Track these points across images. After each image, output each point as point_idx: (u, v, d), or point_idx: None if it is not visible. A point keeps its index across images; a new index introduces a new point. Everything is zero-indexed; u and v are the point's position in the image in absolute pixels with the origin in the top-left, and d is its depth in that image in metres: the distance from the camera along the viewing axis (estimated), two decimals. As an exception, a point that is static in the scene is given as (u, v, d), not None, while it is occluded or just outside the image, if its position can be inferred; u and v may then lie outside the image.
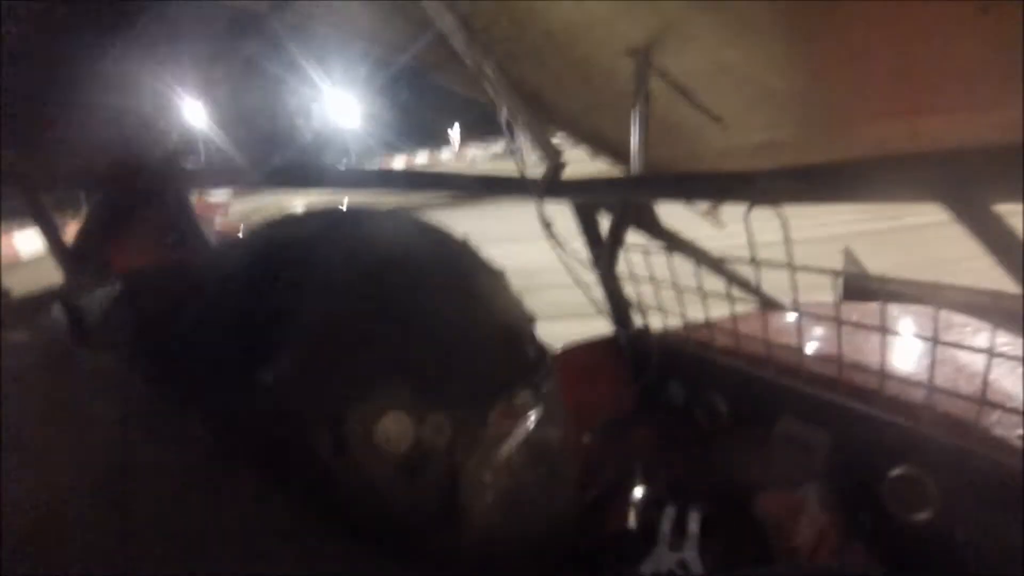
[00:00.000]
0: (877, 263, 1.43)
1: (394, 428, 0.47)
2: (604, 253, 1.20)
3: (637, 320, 1.23)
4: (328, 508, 0.44)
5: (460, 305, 0.56)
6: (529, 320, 0.62)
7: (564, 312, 1.61)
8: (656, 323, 1.18)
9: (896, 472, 0.73)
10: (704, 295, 1.00)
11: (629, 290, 1.20)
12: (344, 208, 0.62)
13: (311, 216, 0.57)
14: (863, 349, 0.85)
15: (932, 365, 0.71)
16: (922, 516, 0.71)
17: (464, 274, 0.59)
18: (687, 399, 1.07)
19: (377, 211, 0.61)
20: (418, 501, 0.48)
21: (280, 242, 0.54)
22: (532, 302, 0.65)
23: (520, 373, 0.56)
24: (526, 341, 0.60)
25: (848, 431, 0.79)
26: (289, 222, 0.57)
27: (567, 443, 0.61)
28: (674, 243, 1.16)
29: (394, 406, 0.47)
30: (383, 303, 0.51)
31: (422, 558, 0.48)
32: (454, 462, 0.49)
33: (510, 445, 0.52)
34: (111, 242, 1.27)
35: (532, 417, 0.54)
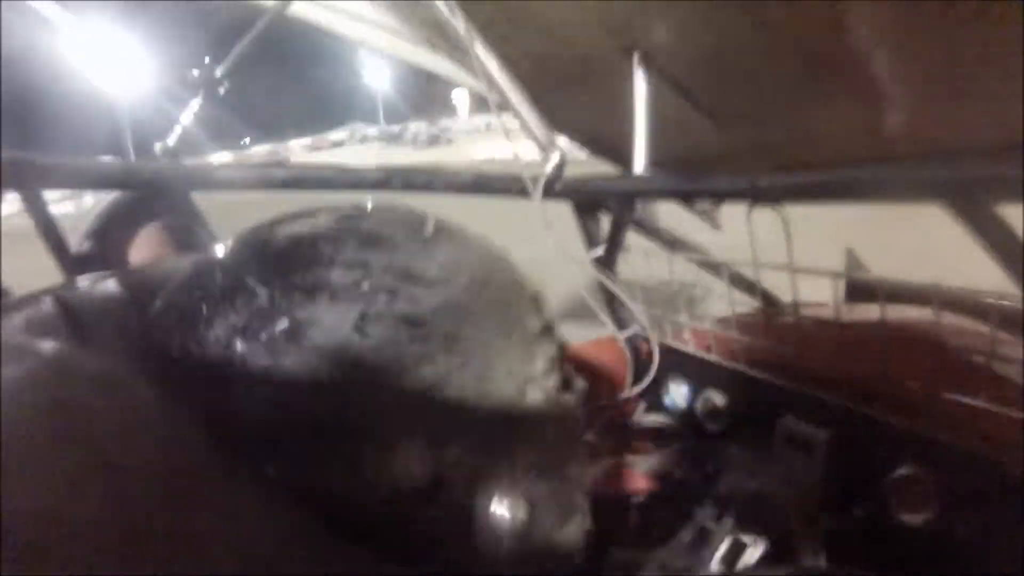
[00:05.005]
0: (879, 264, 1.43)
1: (411, 457, 0.45)
2: (604, 253, 1.19)
3: (637, 321, 1.23)
4: (340, 526, 0.43)
5: (490, 330, 0.52)
6: (560, 346, 0.58)
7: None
8: (656, 324, 1.18)
9: (896, 472, 0.73)
10: (704, 295, 1.00)
11: (629, 290, 1.20)
12: (360, 208, 0.57)
13: (322, 215, 0.54)
14: (864, 349, 0.85)
15: (932, 365, 0.71)
16: (922, 516, 0.71)
17: (497, 296, 0.54)
18: (687, 400, 1.07)
19: (397, 211, 0.56)
20: (432, 529, 0.46)
21: (282, 243, 0.53)
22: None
23: (546, 405, 0.53)
24: (555, 369, 0.56)
25: (848, 431, 0.79)
26: (297, 222, 0.55)
27: (586, 478, 0.59)
28: (674, 243, 1.16)
29: (411, 433, 0.45)
30: (404, 323, 0.48)
31: None
32: (472, 493, 0.47)
33: (531, 478, 0.49)
34: (113, 242, 1.27)
35: (554, 450, 0.51)
